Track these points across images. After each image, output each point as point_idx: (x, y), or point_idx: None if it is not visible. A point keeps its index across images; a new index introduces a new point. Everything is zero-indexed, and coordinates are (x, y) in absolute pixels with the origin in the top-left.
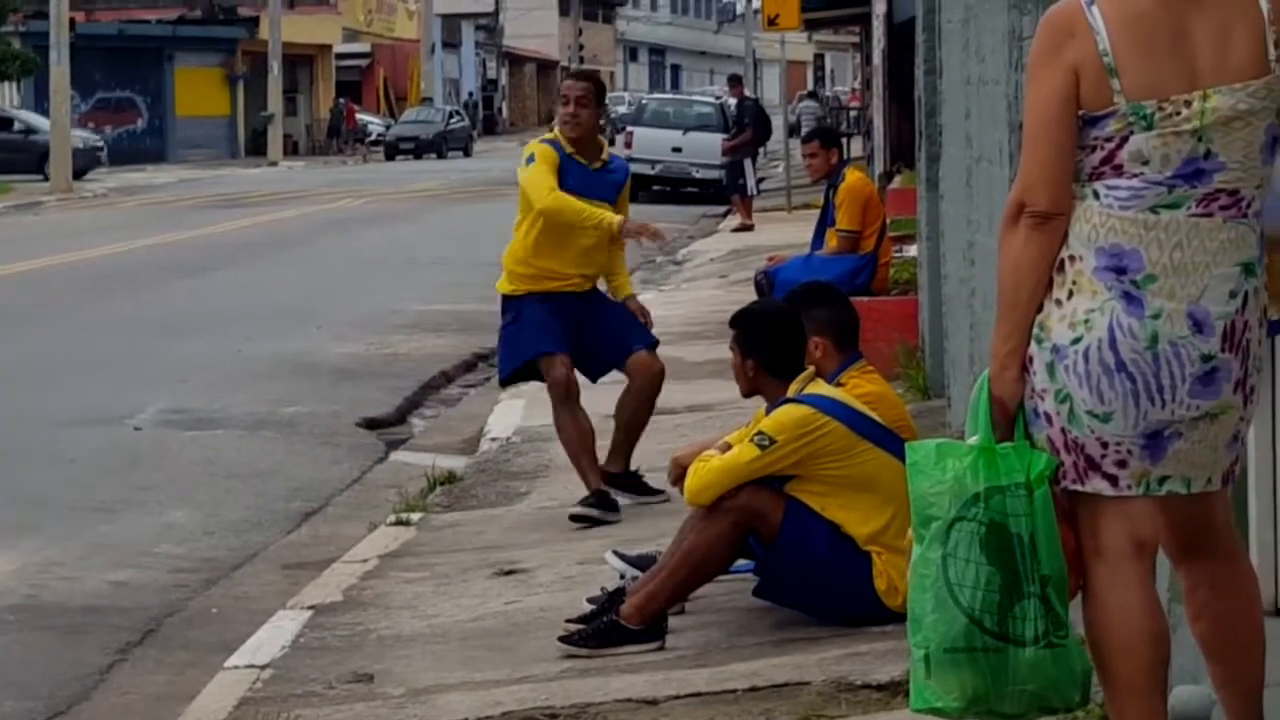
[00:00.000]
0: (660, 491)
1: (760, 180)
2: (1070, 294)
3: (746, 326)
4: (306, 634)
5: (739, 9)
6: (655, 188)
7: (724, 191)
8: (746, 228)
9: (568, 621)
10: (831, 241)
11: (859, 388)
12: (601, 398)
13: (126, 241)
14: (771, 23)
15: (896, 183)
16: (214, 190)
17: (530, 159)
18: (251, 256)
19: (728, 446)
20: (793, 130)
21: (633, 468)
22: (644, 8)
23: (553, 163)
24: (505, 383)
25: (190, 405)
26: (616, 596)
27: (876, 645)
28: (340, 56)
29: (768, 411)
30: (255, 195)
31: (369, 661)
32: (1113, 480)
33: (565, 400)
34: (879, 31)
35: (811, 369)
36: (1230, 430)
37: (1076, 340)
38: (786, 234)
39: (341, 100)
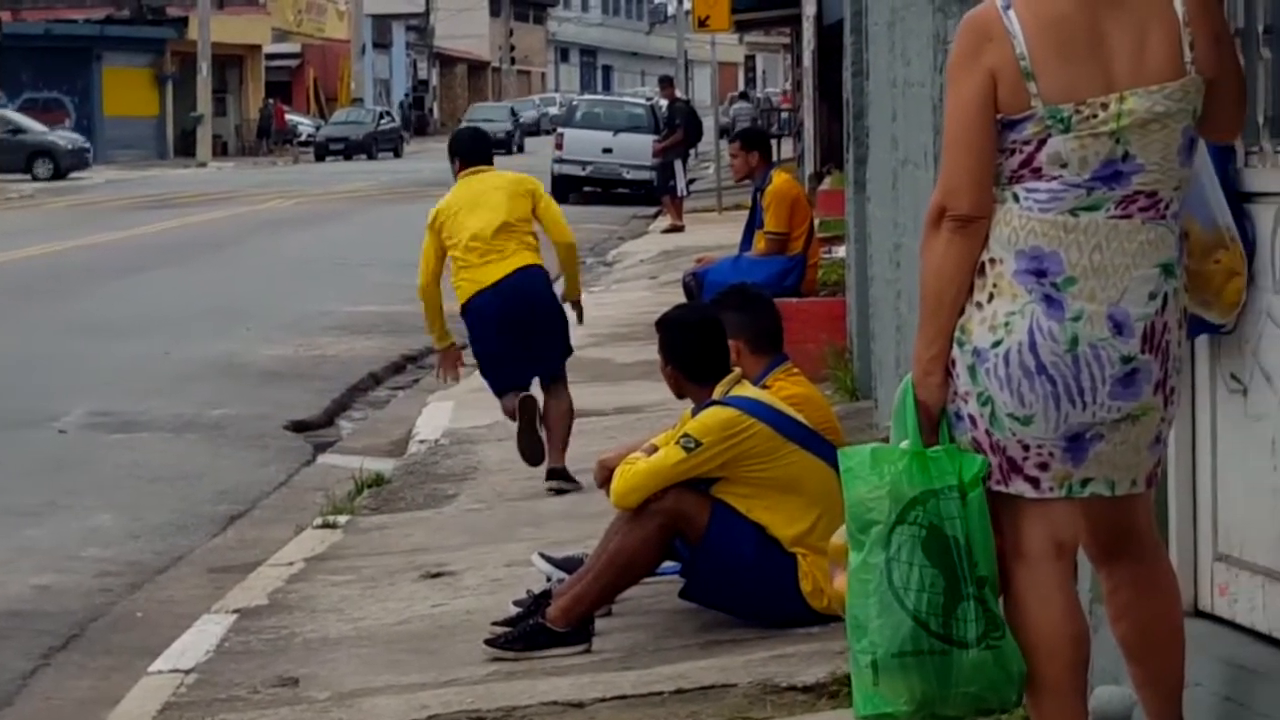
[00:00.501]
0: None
1: (691, 181)
2: (991, 297)
3: (667, 333)
4: (231, 638)
5: (670, 10)
6: (586, 189)
7: (655, 192)
8: (677, 229)
9: (494, 624)
10: (759, 243)
11: (784, 390)
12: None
13: (54, 243)
14: (702, 24)
15: (826, 184)
16: (143, 191)
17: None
18: (180, 258)
19: (654, 449)
20: (724, 131)
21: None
22: (575, 9)
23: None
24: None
25: (116, 408)
26: (543, 599)
27: (802, 647)
28: (270, 57)
29: (694, 414)
30: (184, 196)
31: (294, 665)
32: (1034, 482)
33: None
34: (809, 33)
35: (738, 371)
36: (1152, 432)
37: (997, 343)
38: (717, 235)
39: (271, 101)
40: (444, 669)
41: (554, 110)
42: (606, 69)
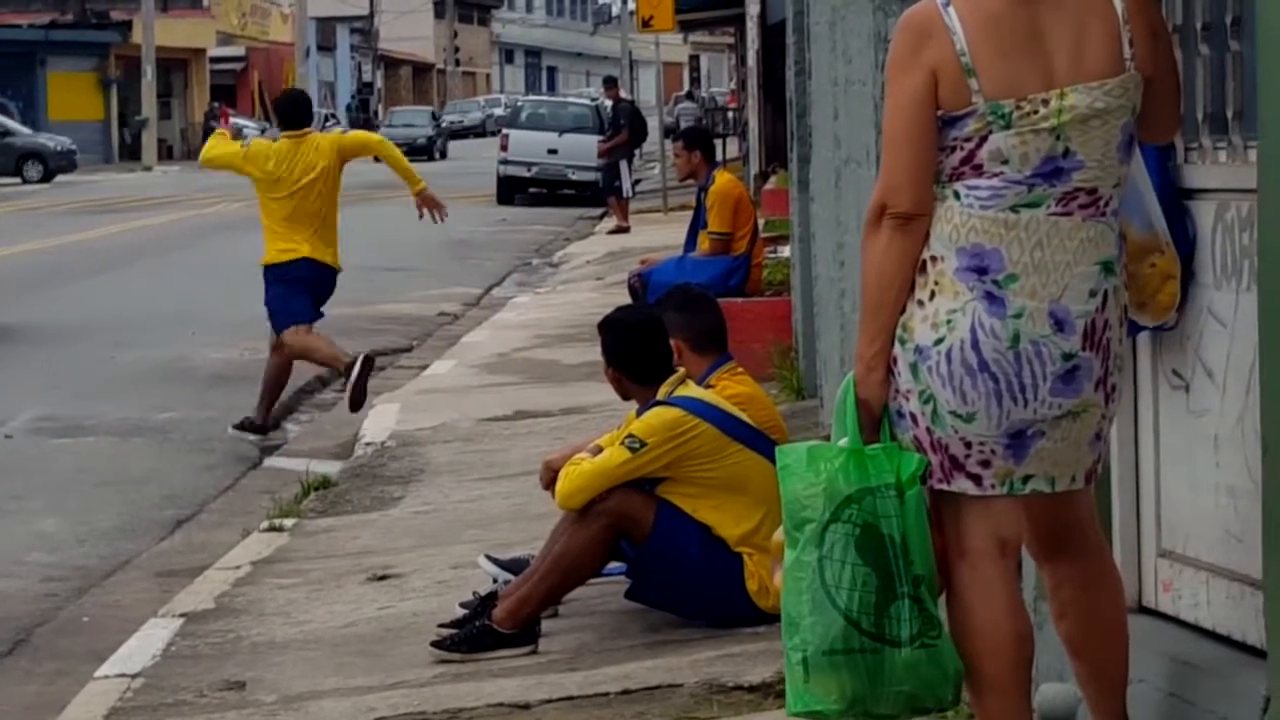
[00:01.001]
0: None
1: (636, 182)
2: (932, 295)
3: (608, 335)
4: (178, 642)
5: (614, 11)
6: (531, 190)
7: (600, 193)
8: (622, 229)
9: (440, 626)
10: (704, 244)
11: (728, 389)
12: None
13: None
14: (646, 24)
15: (771, 183)
16: (88, 195)
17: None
18: (125, 262)
19: (599, 449)
20: (669, 131)
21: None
22: (519, 10)
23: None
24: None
25: (62, 412)
26: (489, 601)
27: (749, 646)
28: (214, 60)
29: (639, 414)
30: (130, 200)
31: (241, 669)
32: (977, 480)
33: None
34: (753, 33)
35: (682, 371)
36: (1092, 429)
37: (939, 341)
38: (663, 235)
39: (216, 104)
40: (390, 671)
41: (499, 111)
42: (551, 70)
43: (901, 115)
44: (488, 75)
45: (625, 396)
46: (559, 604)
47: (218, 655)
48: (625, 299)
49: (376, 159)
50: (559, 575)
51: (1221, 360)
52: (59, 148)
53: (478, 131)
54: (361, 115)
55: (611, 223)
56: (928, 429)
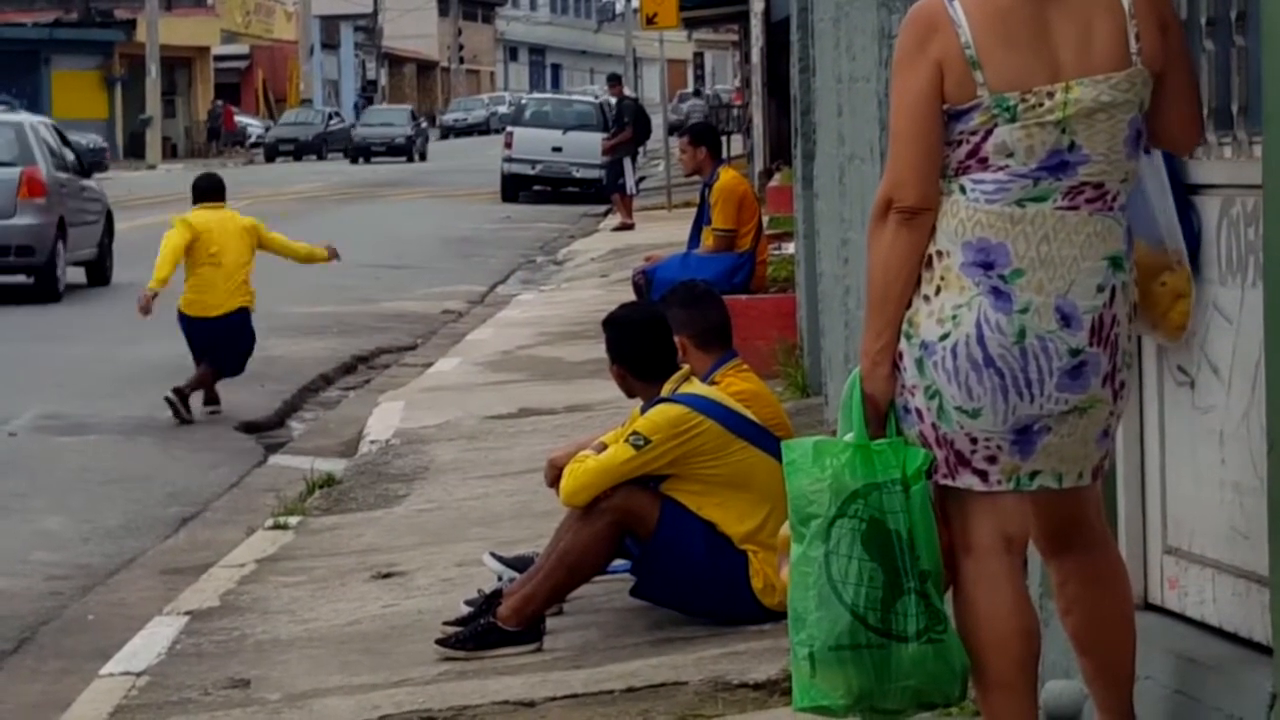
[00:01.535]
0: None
1: (640, 179)
2: (938, 290)
3: (612, 332)
4: (183, 640)
5: (618, 8)
6: (535, 187)
7: (604, 191)
8: (627, 227)
9: (445, 624)
10: (708, 240)
11: (733, 386)
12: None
13: None
14: (650, 21)
15: (776, 180)
16: None
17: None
18: (129, 260)
19: (603, 447)
20: (674, 129)
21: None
22: (523, 7)
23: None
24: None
25: (66, 411)
26: (494, 598)
27: (753, 644)
28: (219, 59)
29: (643, 411)
30: (134, 199)
31: (246, 667)
32: (983, 476)
33: None
34: (757, 30)
35: (687, 368)
36: (1100, 425)
37: (945, 336)
38: (667, 232)
39: (219, 103)
40: (395, 669)
41: (503, 109)
42: (555, 67)
43: (908, 109)
44: (492, 73)
45: (630, 394)
46: (564, 602)
47: (222, 653)
48: (629, 296)
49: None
50: (564, 573)
51: (1227, 356)
52: (90, 145)
53: (482, 129)
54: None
55: (616, 220)
56: (933, 424)
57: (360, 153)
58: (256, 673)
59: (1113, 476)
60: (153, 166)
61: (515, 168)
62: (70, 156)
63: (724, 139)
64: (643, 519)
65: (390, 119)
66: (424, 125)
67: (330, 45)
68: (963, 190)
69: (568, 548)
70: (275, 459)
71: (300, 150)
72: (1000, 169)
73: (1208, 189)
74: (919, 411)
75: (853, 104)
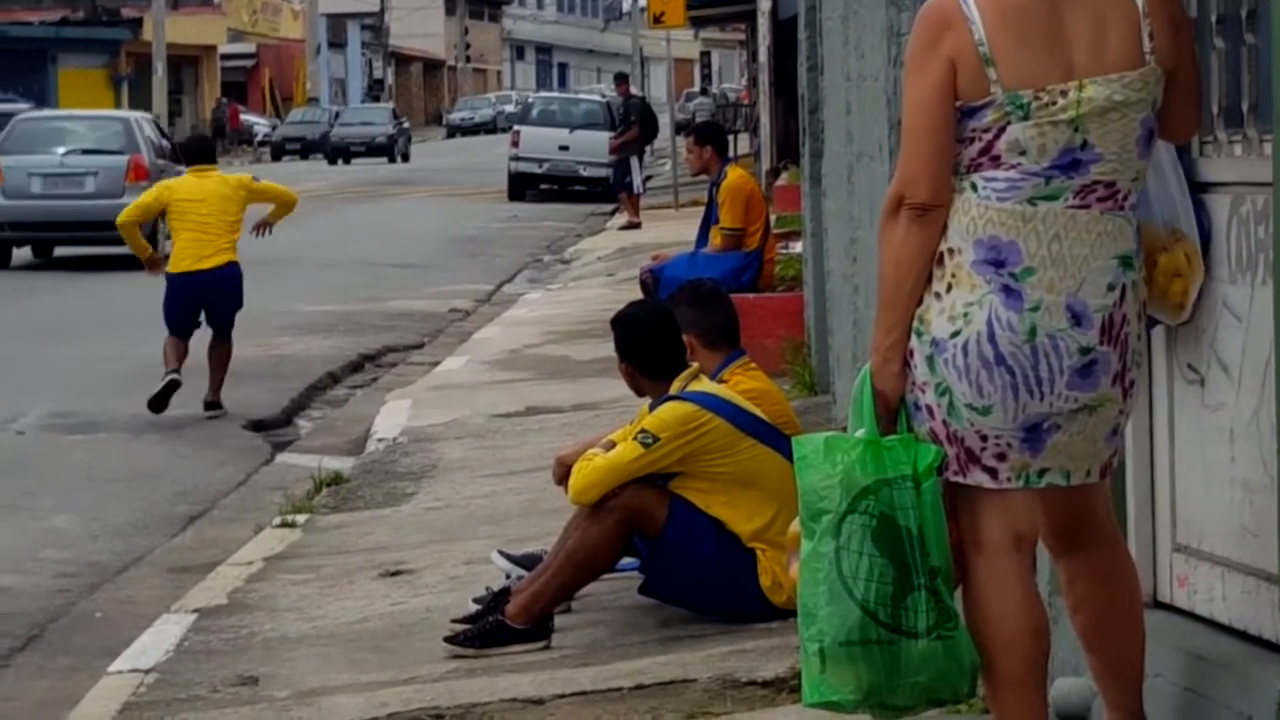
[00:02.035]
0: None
1: (647, 178)
2: (949, 287)
3: (620, 330)
4: (191, 637)
5: (625, 7)
6: (543, 186)
7: (611, 189)
8: (634, 225)
9: (453, 622)
10: (715, 239)
11: (741, 384)
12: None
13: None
14: (657, 20)
15: (783, 179)
16: None
17: None
18: (135, 259)
19: (612, 445)
20: (681, 128)
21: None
22: (530, 6)
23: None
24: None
25: (74, 409)
26: (502, 596)
27: (761, 642)
28: (225, 57)
29: (651, 409)
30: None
31: (254, 664)
32: (993, 473)
33: None
34: (764, 28)
35: (696, 366)
36: (1109, 423)
37: (955, 333)
38: (674, 231)
39: (224, 101)
40: (404, 667)
41: (510, 108)
42: (562, 66)
43: (920, 106)
44: (499, 72)
45: (639, 392)
46: (572, 600)
47: (231, 651)
48: (637, 295)
49: None
50: (572, 571)
51: (1236, 354)
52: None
53: (489, 128)
54: None
55: (623, 219)
56: (944, 421)
57: (339, 153)
58: (265, 670)
59: (1122, 474)
60: None
61: (522, 166)
62: (166, 146)
63: (731, 138)
64: (651, 517)
65: (370, 118)
66: (406, 124)
67: (337, 44)
68: (974, 188)
69: (576, 545)
70: (283, 457)
71: (307, 149)
72: (1012, 167)
73: (1218, 187)
74: (929, 408)
75: (861, 102)
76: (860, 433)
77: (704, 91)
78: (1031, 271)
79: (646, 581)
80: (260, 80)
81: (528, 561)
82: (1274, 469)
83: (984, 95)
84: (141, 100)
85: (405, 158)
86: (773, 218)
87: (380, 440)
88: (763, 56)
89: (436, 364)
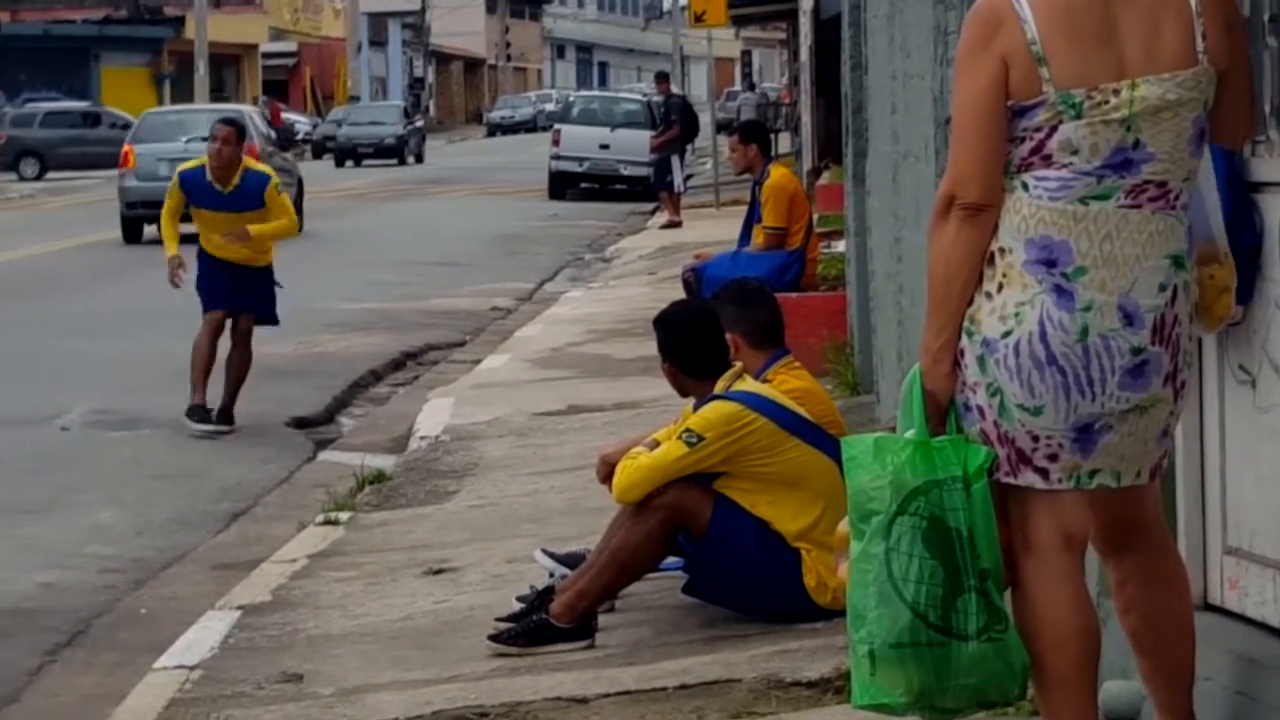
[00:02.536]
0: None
1: (688, 177)
2: (1000, 287)
3: (663, 331)
4: (235, 634)
5: (666, 6)
6: (583, 185)
7: (652, 188)
8: (675, 224)
9: (497, 620)
10: (758, 238)
11: (785, 383)
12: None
13: (51, 242)
14: (698, 19)
15: (825, 178)
16: None
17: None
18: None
19: (656, 444)
20: (722, 126)
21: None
22: (571, 5)
23: (176, 194)
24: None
25: (118, 405)
26: (546, 595)
27: (806, 642)
28: (267, 56)
29: (695, 408)
30: None
31: (298, 661)
32: (1044, 474)
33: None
34: (806, 27)
35: (739, 365)
36: (1160, 424)
37: (1007, 334)
38: (715, 230)
39: (266, 99)
40: (447, 665)
41: (550, 107)
42: (603, 65)
43: (971, 105)
44: (539, 70)
45: (682, 392)
46: (616, 599)
47: (275, 648)
48: (678, 294)
49: None
50: (616, 570)
51: None
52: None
53: (529, 127)
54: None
55: (663, 217)
56: (995, 422)
57: (347, 155)
58: (309, 667)
59: (1172, 476)
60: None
61: (563, 165)
62: (274, 135)
63: (772, 137)
64: (695, 516)
65: (380, 117)
66: (419, 124)
67: (378, 42)
68: (1025, 187)
69: (620, 544)
70: (325, 455)
71: None
72: (1064, 166)
73: (1270, 187)
74: (980, 409)
75: (907, 101)
76: (910, 433)
77: (751, 87)
78: (1083, 271)
79: (690, 581)
80: (301, 79)
81: (571, 560)
82: None
83: (1036, 94)
84: (183, 99)
85: (419, 159)
86: (815, 217)
87: (423, 438)
88: (804, 55)
89: (478, 362)
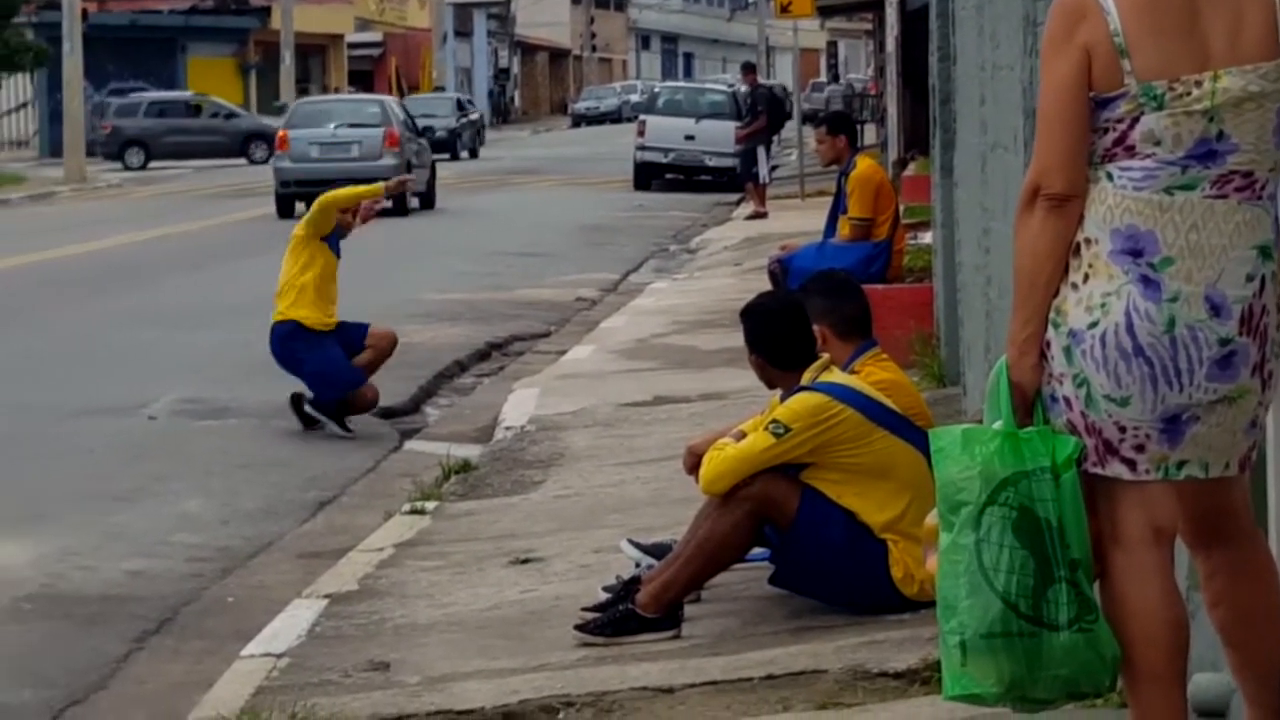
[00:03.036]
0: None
1: (774, 168)
2: (1086, 277)
3: (750, 322)
4: (322, 623)
5: None
6: (668, 176)
7: (737, 179)
8: (760, 215)
9: (583, 610)
10: (844, 229)
11: (873, 375)
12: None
13: (139, 232)
14: (784, 10)
15: (911, 170)
16: (226, 180)
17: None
18: (265, 247)
19: (742, 435)
20: (808, 118)
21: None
22: None
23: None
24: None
25: (204, 395)
26: (632, 585)
27: (893, 633)
28: (352, 46)
29: (782, 399)
30: (266, 185)
31: (385, 650)
32: (1131, 465)
33: None
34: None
35: (827, 357)
36: (1248, 415)
37: (1093, 324)
38: (800, 221)
39: (352, 89)
40: (534, 654)
41: (635, 98)
42: (688, 56)
43: (1055, 97)
44: (624, 61)
45: (770, 384)
46: (702, 589)
47: (362, 636)
48: (763, 285)
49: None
50: (702, 560)
51: None
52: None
53: (614, 118)
54: (502, 100)
55: (749, 208)
56: (1082, 413)
57: None
58: (396, 656)
59: (1262, 469)
60: None
61: (648, 156)
62: (410, 121)
63: (858, 128)
64: (782, 507)
65: (432, 109)
66: (476, 115)
67: (463, 33)
68: (1110, 177)
69: (707, 535)
70: (411, 445)
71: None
72: (1148, 156)
73: None
74: (1067, 400)
75: (996, 92)
76: (997, 425)
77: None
78: (1170, 261)
79: (777, 572)
80: (387, 69)
81: (657, 550)
82: None
83: (1118, 86)
84: (269, 89)
85: (474, 153)
86: (900, 208)
87: (508, 428)
88: (890, 46)
89: (563, 353)
